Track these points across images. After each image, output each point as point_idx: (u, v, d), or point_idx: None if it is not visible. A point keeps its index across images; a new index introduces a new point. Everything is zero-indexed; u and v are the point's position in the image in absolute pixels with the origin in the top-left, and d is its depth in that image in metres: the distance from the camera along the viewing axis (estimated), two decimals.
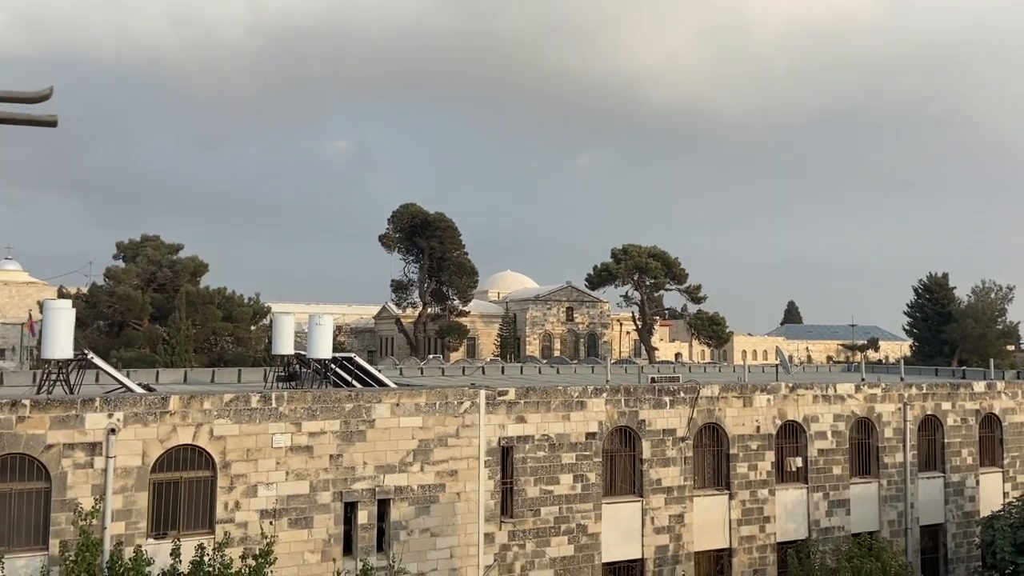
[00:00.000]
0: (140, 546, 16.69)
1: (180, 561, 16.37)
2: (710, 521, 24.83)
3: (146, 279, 62.35)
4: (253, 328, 64.71)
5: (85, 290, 62.67)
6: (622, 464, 24.02)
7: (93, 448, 17.58)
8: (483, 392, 21.85)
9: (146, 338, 58.19)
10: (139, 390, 21.34)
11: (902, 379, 33.48)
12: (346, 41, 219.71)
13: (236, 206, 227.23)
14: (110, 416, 17.81)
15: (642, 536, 23.74)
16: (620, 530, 23.41)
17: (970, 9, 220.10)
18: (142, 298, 59.69)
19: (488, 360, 70.72)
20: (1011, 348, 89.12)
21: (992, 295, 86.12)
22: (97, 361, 22.10)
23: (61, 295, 61.43)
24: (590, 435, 23.15)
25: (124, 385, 22.03)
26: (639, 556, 23.71)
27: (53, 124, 7.24)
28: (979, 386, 30.69)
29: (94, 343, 50.28)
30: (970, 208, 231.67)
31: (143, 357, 53.16)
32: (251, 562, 16.62)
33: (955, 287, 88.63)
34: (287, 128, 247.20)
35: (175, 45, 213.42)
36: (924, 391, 29.19)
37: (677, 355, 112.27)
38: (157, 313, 60.25)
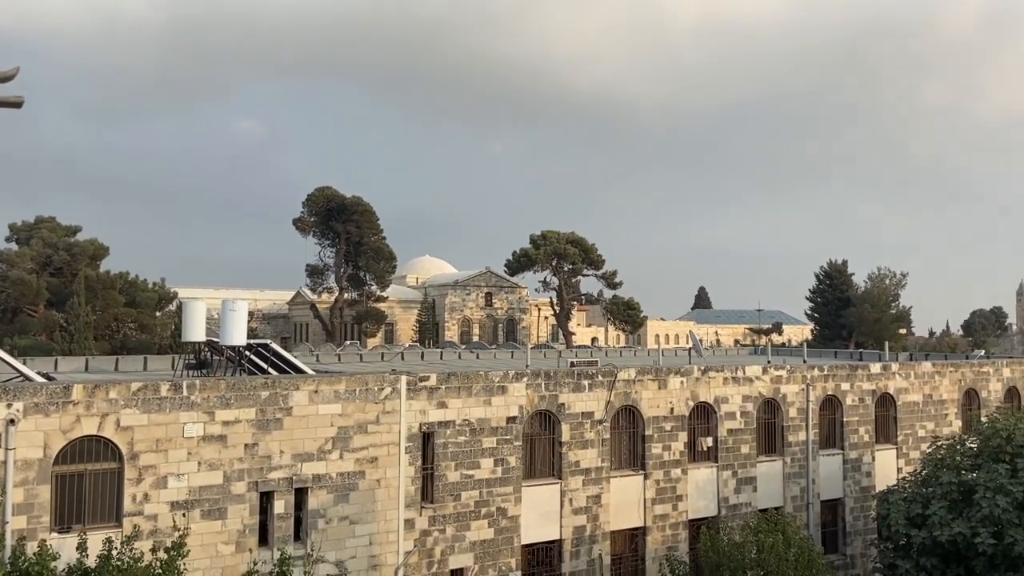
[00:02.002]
0: (44, 540, 15.94)
1: (87, 555, 15.72)
2: (626, 501, 25.48)
3: (41, 263, 59.29)
4: (158, 314, 62.47)
5: None
6: (542, 447, 24.34)
7: None
8: (404, 378, 21.72)
9: (42, 324, 55.38)
10: (38, 379, 20.30)
11: (805, 361, 35.01)
12: (256, 17, 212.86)
13: (140, 187, 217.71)
14: (8, 406, 16.88)
15: (560, 517, 24.15)
16: (539, 512, 23.76)
17: (868, 6, 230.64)
18: (37, 282, 56.77)
19: (407, 346, 70.25)
20: (903, 331, 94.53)
21: (887, 281, 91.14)
22: None
23: None
24: (511, 419, 23.35)
25: (22, 373, 20.89)
26: (558, 537, 24.13)
27: (19, 105, 6.76)
28: (875, 367, 32.42)
29: None
30: (869, 196, 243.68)
31: (39, 344, 50.62)
32: (162, 555, 16.10)
33: (853, 274, 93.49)
34: (194, 106, 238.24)
35: (72, 14, 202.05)
36: (825, 372, 30.65)
37: (594, 340, 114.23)
38: (54, 298, 57.41)
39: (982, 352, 62.60)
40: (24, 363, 25.11)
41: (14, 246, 61.37)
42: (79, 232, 63.61)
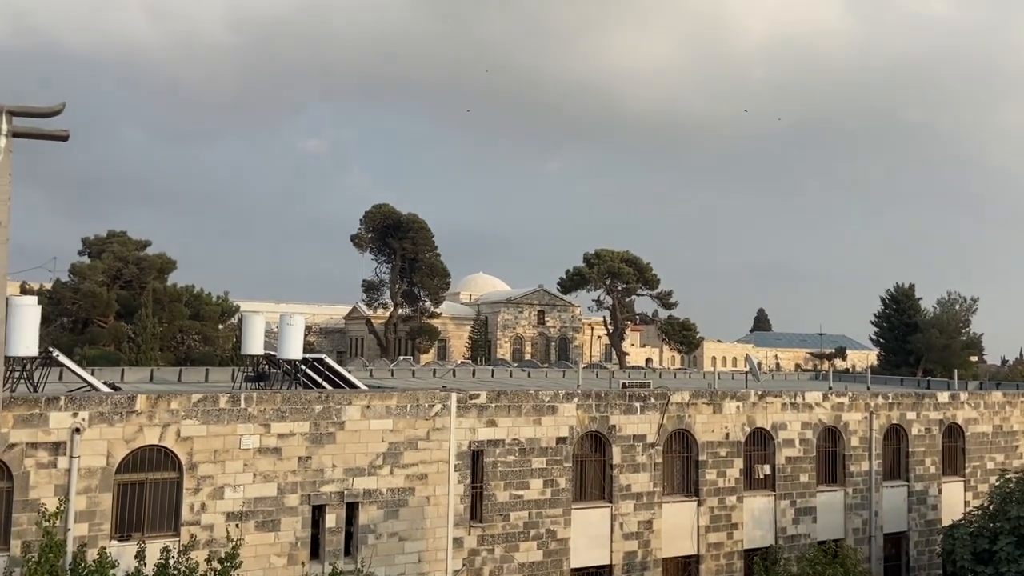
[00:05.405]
0: (104, 548, 16.39)
1: (144, 564, 16.11)
2: (678, 527, 24.98)
3: (112, 275, 61.38)
4: (221, 327, 63.96)
5: (48, 286, 61.47)
6: (592, 469, 24.09)
7: (57, 448, 17.23)
8: (454, 395, 21.79)
9: (111, 336, 57.25)
10: (104, 389, 20.97)
11: (868, 388, 33.96)
12: (324, 39, 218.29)
13: (206, 203, 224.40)
14: (75, 415, 17.47)
15: (611, 542, 23.81)
16: (589, 536, 23.47)
17: (940, 26, 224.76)
18: (107, 295, 58.75)
19: (459, 362, 70.59)
20: (974, 359, 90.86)
21: (957, 306, 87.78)
22: (62, 359, 21.69)
23: (24, 291, 60.09)
24: (561, 440, 23.18)
25: (89, 384, 21.63)
26: (607, 562, 23.77)
27: (64, 139, 7.19)
28: (943, 396, 31.25)
29: (57, 340, 49.34)
30: (937, 219, 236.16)
31: (107, 355, 52.30)
32: (216, 565, 16.40)
33: (921, 298, 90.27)
34: (261, 125, 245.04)
35: (153, 40, 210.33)
36: (890, 400, 29.66)
37: (648, 360, 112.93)
38: (123, 310, 59.30)
39: None
40: (92, 373, 26.02)
41: (86, 259, 63.72)
42: (148, 246, 65.72)
